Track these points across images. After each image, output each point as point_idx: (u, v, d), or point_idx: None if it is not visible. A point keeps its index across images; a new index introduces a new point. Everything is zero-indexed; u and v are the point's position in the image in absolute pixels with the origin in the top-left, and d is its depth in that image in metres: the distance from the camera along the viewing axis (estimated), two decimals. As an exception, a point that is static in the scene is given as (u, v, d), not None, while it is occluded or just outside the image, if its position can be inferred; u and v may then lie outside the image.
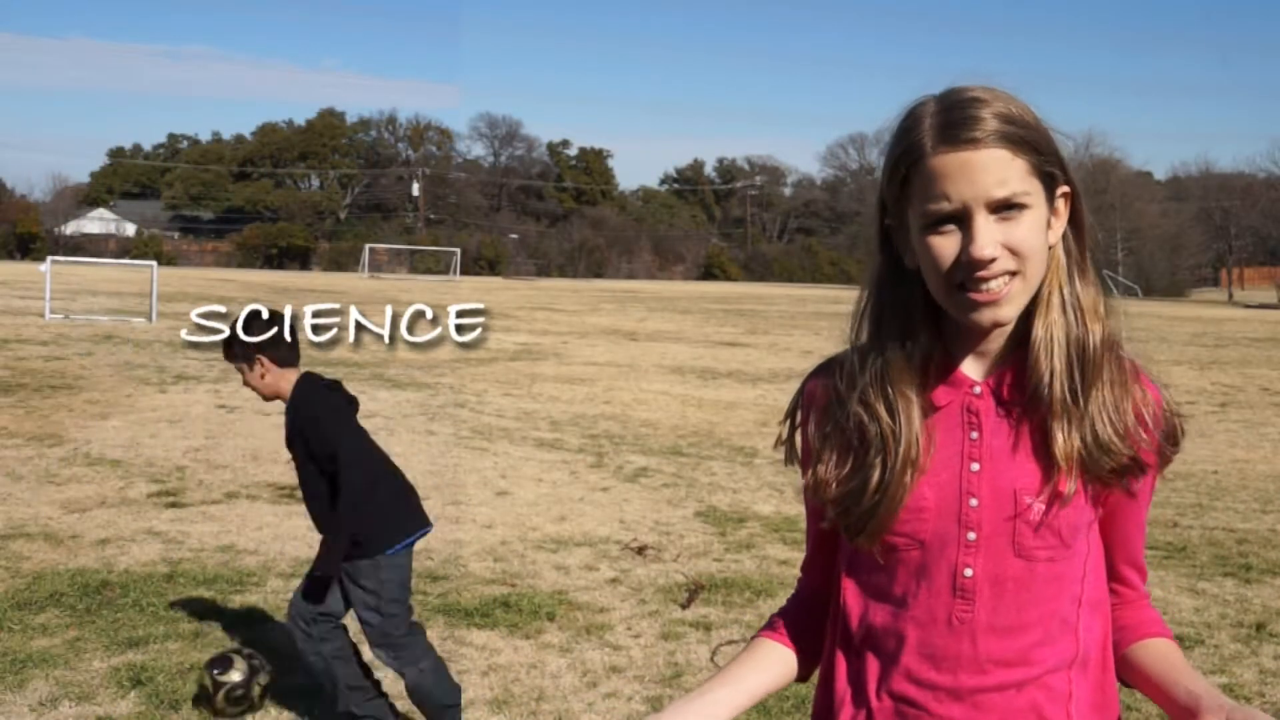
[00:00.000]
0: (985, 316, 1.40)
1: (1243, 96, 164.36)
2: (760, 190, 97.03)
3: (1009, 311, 1.41)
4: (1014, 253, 1.38)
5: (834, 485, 1.49)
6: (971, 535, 1.45)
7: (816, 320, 31.50)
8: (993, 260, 1.37)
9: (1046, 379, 1.43)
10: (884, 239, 1.50)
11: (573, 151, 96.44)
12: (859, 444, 1.48)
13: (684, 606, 5.88)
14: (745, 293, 53.87)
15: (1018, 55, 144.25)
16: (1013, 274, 1.39)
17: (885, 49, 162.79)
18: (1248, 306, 52.07)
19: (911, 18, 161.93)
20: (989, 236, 1.37)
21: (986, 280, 1.38)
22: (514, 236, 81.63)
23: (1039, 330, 1.44)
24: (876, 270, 1.52)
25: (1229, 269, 72.36)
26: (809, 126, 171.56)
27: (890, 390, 1.47)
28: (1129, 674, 1.54)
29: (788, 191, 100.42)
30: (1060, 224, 1.46)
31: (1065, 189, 1.45)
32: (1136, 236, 70.95)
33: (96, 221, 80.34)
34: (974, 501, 1.45)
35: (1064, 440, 1.43)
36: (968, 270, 1.38)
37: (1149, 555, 6.88)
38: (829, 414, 1.52)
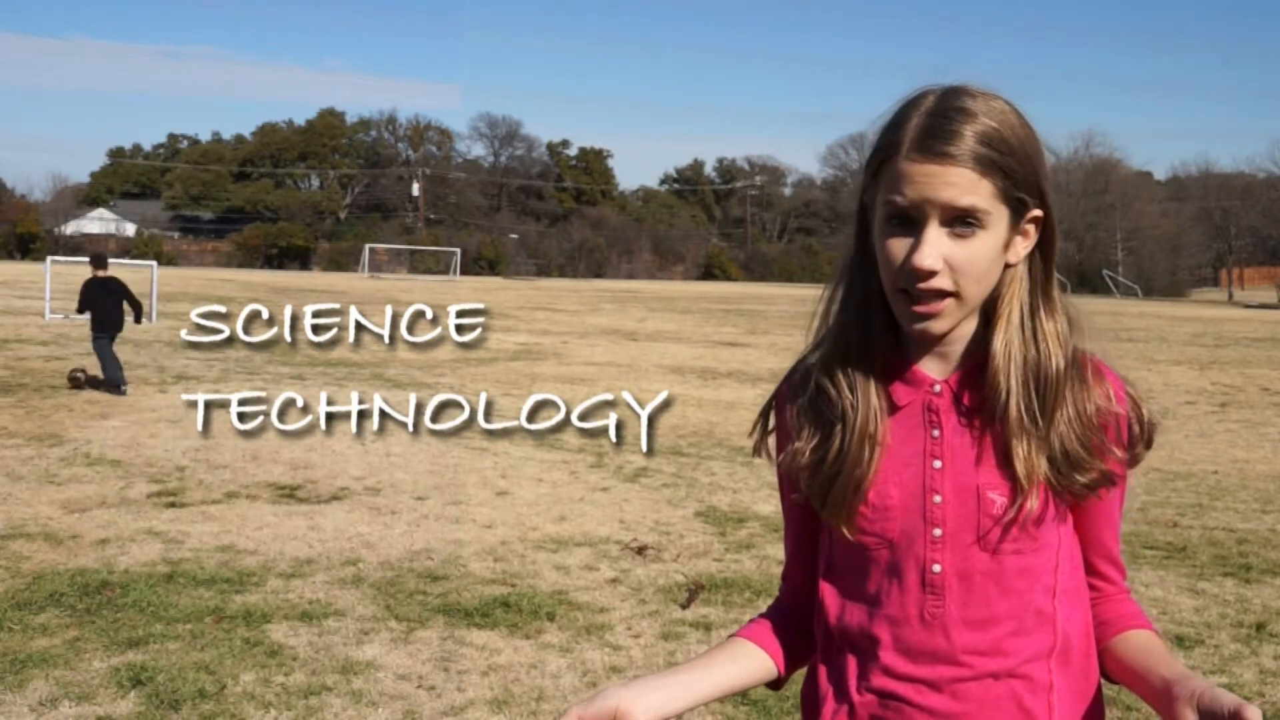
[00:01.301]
0: (917, 326, 1.44)
1: (1243, 96, 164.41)
2: (760, 190, 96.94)
3: (940, 326, 1.44)
4: (955, 270, 1.40)
5: (805, 455, 1.53)
6: (937, 531, 1.47)
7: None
8: (933, 273, 1.39)
9: (1003, 397, 1.45)
10: (860, 219, 1.52)
11: (573, 151, 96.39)
12: (826, 416, 1.52)
13: (684, 606, 5.88)
14: (745, 293, 53.86)
15: (1018, 55, 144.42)
16: (950, 293, 1.41)
17: (885, 49, 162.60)
18: (1248, 306, 52.07)
19: (911, 18, 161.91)
20: (934, 248, 1.39)
21: (924, 292, 1.41)
22: (514, 236, 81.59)
23: (998, 344, 1.46)
24: (849, 254, 1.55)
25: (1229, 269, 72.37)
26: (809, 126, 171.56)
27: (850, 368, 1.51)
28: (1110, 668, 1.55)
29: (788, 191, 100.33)
30: (1027, 244, 1.47)
31: (1037, 212, 1.46)
32: (1136, 236, 71.00)
33: (96, 221, 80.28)
34: (938, 498, 1.47)
35: (1025, 458, 1.44)
36: (909, 278, 1.41)
37: (1149, 555, 6.91)
38: (803, 392, 1.56)
